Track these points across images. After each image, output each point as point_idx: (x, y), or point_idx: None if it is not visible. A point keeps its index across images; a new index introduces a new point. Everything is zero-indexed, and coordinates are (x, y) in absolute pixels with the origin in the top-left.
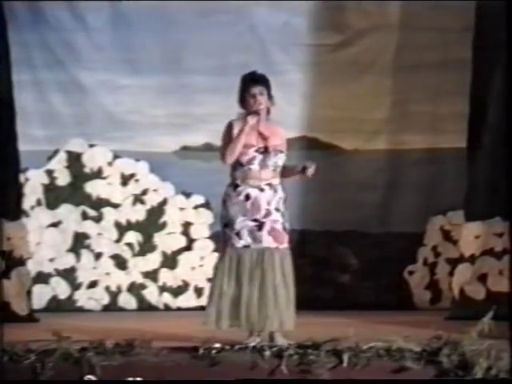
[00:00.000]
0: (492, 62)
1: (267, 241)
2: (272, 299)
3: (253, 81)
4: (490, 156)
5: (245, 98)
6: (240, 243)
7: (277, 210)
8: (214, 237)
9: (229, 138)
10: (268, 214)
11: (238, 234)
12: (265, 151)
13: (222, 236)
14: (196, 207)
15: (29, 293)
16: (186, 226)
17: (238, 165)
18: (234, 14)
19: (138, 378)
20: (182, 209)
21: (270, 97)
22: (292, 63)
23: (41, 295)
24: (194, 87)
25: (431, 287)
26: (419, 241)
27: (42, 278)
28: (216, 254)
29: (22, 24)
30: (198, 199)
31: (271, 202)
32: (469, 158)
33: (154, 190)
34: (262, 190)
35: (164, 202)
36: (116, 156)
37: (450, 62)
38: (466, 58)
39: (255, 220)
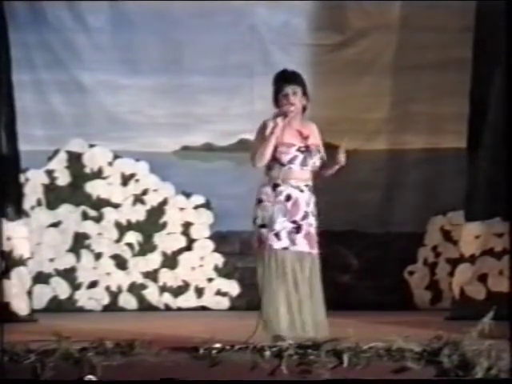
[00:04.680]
0: (492, 62)
1: (302, 245)
2: (308, 304)
3: (285, 80)
4: (490, 156)
5: (278, 98)
6: (278, 245)
7: (312, 213)
8: (213, 237)
9: (260, 139)
10: (306, 216)
11: (278, 236)
12: (306, 150)
13: (257, 237)
14: (196, 207)
15: (29, 293)
16: (186, 226)
17: (278, 164)
18: (234, 13)
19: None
20: (182, 209)
21: (304, 94)
22: (292, 63)
23: (41, 295)
24: (194, 87)
25: (431, 287)
26: (419, 241)
27: (42, 277)
28: (216, 255)
29: (22, 24)
30: (198, 199)
31: (309, 204)
32: (469, 157)
33: (154, 190)
34: (301, 191)
35: (164, 202)
36: (116, 156)
37: (450, 62)
38: (466, 57)
39: (294, 222)
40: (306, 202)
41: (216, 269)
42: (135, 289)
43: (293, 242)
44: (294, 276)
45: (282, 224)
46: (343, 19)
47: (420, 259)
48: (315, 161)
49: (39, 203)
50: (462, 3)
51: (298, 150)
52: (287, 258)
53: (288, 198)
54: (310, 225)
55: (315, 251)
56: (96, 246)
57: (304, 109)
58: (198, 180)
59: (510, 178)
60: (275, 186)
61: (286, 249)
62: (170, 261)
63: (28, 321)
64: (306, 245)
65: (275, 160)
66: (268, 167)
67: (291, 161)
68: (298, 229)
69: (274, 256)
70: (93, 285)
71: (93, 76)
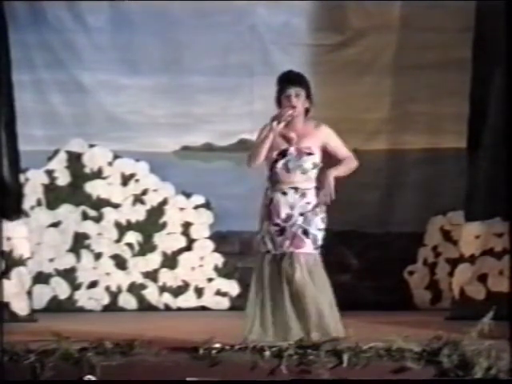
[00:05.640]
0: (492, 62)
1: (285, 245)
2: (291, 308)
3: (288, 81)
4: (490, 156)
5: (280, 99)
6: (263, 248)
7: (301, 214)
8: (213, 237)
9: (257, 141)
10: (289, 218)
11: (263, 239)
12: (285, 154)
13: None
14: (196, 207)
15: (29, 293)
16: (186, 226)
17: (268, 169)
18: (234, 13)
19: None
20: (182, 209)
21: (308, 96)
22: (292, 63)
23: (41, 295)
24: (194, 87)
25: (431, 287)
26: (419, 241)
27: (42, 278)
28: (216, 255)
29: (22, 24)
30: (198, 199)
31: (295, 206)
32: (469, 157)
33: (154, 190)
34: (284, 193)
35: (164, 202)
36: (116, 156)
37: (450, 62)
38: (466, 57)
39: (276, 224)
40: (290, 204)
41: (216, 269)
42: (135, 289)
43: (276, 245)
44: (272, 278)
45: (265, 228)
46: (343, 19)
47: (420, 259)
48: (301, 164)
49: (39, 203)
50: (462, 3)
51: (279, 154)
52: (267, 261)
53: (271, 201)
54: (295, 225)
55: (303, 251)
56: (96, 246)
57: (307, 111)
58: (198, 180)
59: (510, 178)
60: (266, 191)
61: (268, 252)
62: (170, 261)
63: (28, 321)
64: (287, 245)
65: (267, 165)
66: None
67: (274, 164)
68: (281, 232)
69: (259, 260)
70: (93, 285)
71: (93, 76)
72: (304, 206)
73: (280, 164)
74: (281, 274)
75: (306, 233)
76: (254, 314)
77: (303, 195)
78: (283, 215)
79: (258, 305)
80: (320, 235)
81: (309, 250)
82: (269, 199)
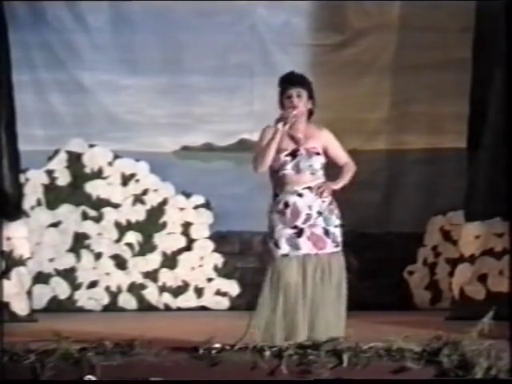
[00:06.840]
0: (492, 61)
1: (306, 247)
2: (316, 308)
3: (290, 82)
4: (490, 156)
5: (282, 100)
6: (279, 253)
7: (319, 213)
8: (213, 237)
9: (261, 145)
10: (308, 218)
11: (277, 244)
12: (296, 155)
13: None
14: (196, 207)
15: (29, 293)
16: (186, 226)
17: (273, 172)
18: (234, 13)
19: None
20: (181, 209)
21: (311, 97)
22: (292, 63)
23: (41, 295)
24: (194, 87)
25: (431, 287)
26: (419, 241)
27: (42, 278)
28: (216, 255)
29: (22, 24)
30: (198, 199)
31: (313, 205)
32: (469, 158)
33: (154, 190)
34: (300, 195)
35: (164, 202)
36: (116, 156)
37: (450, 62)
38: (466, 57)
39: (295, 227)
40: (308, 204)
41: (216, 269)
42: (135, 289)
43: (295, 247)
44: (295, 282)
45: (279, 232)
46: (343, 19)
47: (420, 259)
48: (311, 164)
49: (39, 203)
50: (462, 3)
51: (288, 155)
52: (286, 264)
53: (286, 205)
54: (315, 226)
55: (325, 251)
56: (96, 246)
57: (310, 113)
58: (197, 180)
59: (510, 178)
60: (275, 196)
61: (286, 255)
62: (170, 261)
63: (28, 321)
64: (310, 247)
65: (271, 168)
66: (270, 176)
67: (282, 167)
68: (299, 233)
69: (273, 264)
70: (92, 285)
71: (93, 76)
72: (320, 203)
73: (290, 165)
74: (303, 276)
75: (326, 233)
76: (264, 317)
77: (318, 194)
78: (303, 217)
79: (269, 310)
80: (338, 232)
81: (330, 249)
82: (283, 203)
